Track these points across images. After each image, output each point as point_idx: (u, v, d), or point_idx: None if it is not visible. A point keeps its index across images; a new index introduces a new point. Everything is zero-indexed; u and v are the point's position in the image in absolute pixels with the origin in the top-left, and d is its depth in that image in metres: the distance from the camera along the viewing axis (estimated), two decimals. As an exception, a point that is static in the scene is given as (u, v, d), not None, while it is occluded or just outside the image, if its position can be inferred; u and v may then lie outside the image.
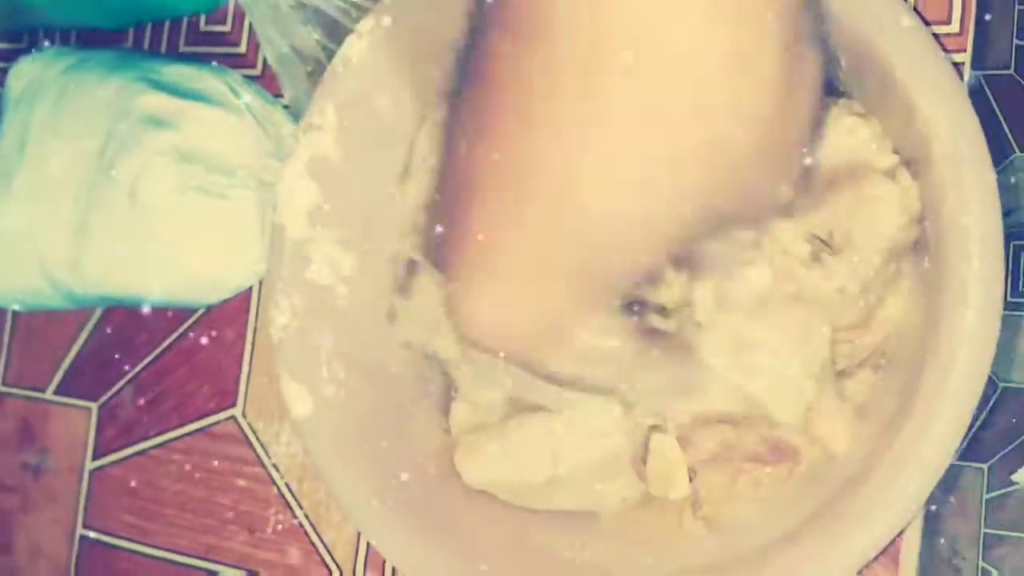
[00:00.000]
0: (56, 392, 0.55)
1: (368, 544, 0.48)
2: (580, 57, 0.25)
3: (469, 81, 0.28)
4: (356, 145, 0.42)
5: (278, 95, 0.51)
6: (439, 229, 0.30)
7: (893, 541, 0.33)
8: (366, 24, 0.40)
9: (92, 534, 0.53)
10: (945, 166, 0.33)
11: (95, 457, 0.54)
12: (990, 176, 0.32)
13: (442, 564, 0.38)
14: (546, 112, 0.26)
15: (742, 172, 0.27)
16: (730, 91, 0.25)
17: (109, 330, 0.54)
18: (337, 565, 0.48)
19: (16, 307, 0.51)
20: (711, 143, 0.26)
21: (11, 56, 0.53)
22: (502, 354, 0.30)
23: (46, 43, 0.58)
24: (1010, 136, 1.09)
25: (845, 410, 0.37)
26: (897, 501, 0.32)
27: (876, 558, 0.38)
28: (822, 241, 0.36)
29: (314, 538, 0.49)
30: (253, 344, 0.51)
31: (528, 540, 0.40)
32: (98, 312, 0.54)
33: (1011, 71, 1.10)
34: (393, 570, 0.47)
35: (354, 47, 0.40)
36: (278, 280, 0.41)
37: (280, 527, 0.50)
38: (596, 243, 0.27)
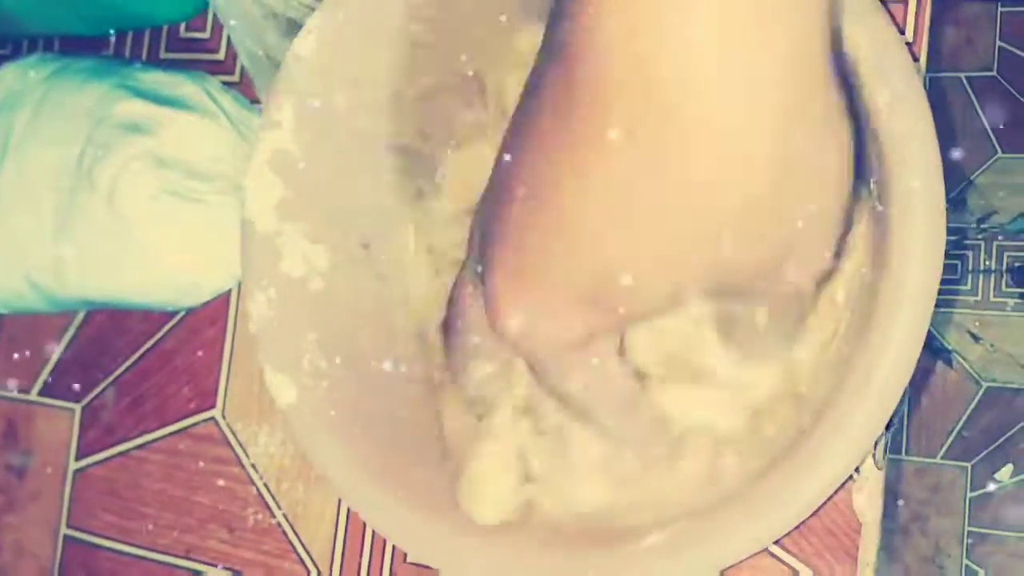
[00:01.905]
0: (40, 393, 0.56)
1: (344, 542, 0.49)
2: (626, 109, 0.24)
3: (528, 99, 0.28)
4: (314, 139, 0.42)
5: (256, 101, 0.52)
6: (479, 238, 0.30)
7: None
8: (315, 20, 0.40)
9: (76, 534, 0.54)
10: (874, 78, 0.33)
11: (78, 458, 0.55)
12: (916, 82, 0.32)
13: (434, 536, 0.38)
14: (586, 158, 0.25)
15: (780, 241, 0.27)
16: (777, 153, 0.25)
17: (91, 333, 0.55)
18: (315, 563, 0.49)
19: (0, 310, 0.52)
20: (750, 208, 0.26)
21: (-6, 63, 0.54)
22: (530, 356, 0.31)
23: (28, 51, 0.58)
24: (993, 137, 1.10)
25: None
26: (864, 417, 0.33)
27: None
28: None
29: (292, 537, 0.50)
30: (232, 346, 0.52)
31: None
32: (80, 315, 0.55)
33: (994, 72, 1.11)
34: (369, 565, 0.48)
35: (304, 43, 0.41)
36: (251, 274, 0.41)
37: (259, 526, 0.51)
38: (616, 278, 0.27)
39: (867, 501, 0.41)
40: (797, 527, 0.36)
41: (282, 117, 0.42)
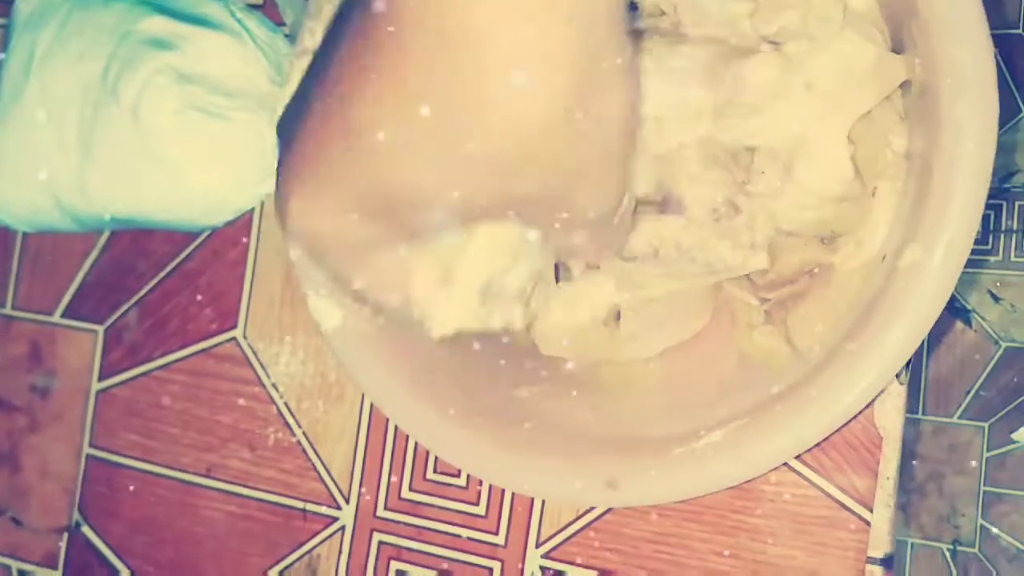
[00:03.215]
0: (63, 316, 0.56)
1: (364, 460, 0.49)
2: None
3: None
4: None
5: (280, 24, 0.52)
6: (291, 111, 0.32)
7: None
8: None
9: (99, 453, 0.55)
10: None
11: (101, 378, 0.55)
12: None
13: (472, 445, 0.39)
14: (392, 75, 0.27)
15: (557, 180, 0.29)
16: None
17: (114, 255, 0.55)
18: (334, 481, 0.50)
19: (24, 229, 0.52)
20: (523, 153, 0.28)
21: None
22: (314, 254, 0.33)
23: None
24: (1018, 96, 1.09)
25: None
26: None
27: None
28: None
29: (312, 455, 0.50)
30: (255, 268, 0.52)
31: (565, 416, 0.40)
32: (103, 237, 0.55)
33: (1020, 31, 1.10)
34: (388, 483, 0.49)
35: None
36: None
37: (279, 445, 0.51)
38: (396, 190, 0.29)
39: (889, 416, 0.41)
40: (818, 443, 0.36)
41: (315, 43, 0.42)
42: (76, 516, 0.55)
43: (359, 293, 0.34)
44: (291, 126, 0.31)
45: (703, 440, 0.35)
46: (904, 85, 0.37)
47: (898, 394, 0.41)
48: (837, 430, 0.34)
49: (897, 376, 0.41)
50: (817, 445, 0.34)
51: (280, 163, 0.32)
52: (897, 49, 0.37)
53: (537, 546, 0.46)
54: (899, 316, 0.32)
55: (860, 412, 0.34)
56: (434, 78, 0.26)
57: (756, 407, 0.36)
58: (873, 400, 0.34)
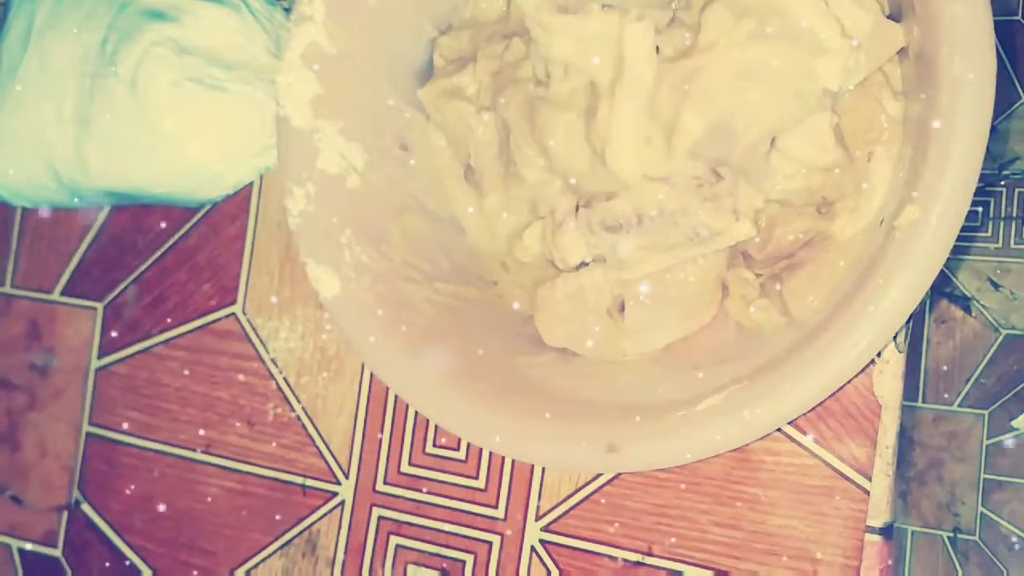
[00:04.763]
0: (63, 293, 0.56)
1: (364, 435, 0.49)
2: None
3: None
4: (347, 34, 0.43)
5: (279, -2, 0.52)
6: None
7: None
8: None
9: (98, 431, 0.55)
10: None
11: (100, 356, 0.55)
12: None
13: (483, 420, 0.39)
14: None
15: None
16: None
17: (113, 232, 0.55)
18: (333, 456, 0.50)
19: (23, 203, 0.52)
20: None
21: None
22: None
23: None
24: (1016, 83, 1.09)
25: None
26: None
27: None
28: None
29: (311, 430, 0.50)
30: (253, 243, 0.52)
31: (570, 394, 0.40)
32: (102, 214, 0.55)
33: (1019, 17, 1.10)
34: (388, 457, 0.49)
35: None
36: (289, 170, 0.42)
37: (279, 420, 0.51)
38: None
39: (888, 384, 0.41)
40: (816, 407, 0.36)
41: (314, 11, 0.42)
42: (76, 494, 0.55)
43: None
44: None
45: (703, 404, 0.35)
46: (901, 51, 0.37)
47: (896, 362, 0.41)
48: (836, 391, 0.34)
49: (895, 340, 0.41)
50: (819, 405, 0.34)
51: None
52: (895, 17, 0.38)
53: (537, 519, 0.46)
54: (897, 275, 0.32)
55: (859, 373, 0.34)
56: None
57: (755, 371, 0.36)
58: (872, 361, 0.34)
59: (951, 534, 1.08)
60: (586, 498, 0.45)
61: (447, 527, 0.48)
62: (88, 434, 0.55)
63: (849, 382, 0.35)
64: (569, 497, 0.46)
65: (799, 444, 0.42)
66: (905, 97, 0.37)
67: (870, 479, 0.41)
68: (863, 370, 0.35)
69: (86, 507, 0.55)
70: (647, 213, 0.38)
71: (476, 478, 0.47)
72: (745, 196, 0.38)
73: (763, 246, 0.40)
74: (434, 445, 0.48)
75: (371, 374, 0.49)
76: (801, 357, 0.34)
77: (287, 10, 0.51)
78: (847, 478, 0.42)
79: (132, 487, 0.54)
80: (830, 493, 0.42)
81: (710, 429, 0.35)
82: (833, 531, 0.42)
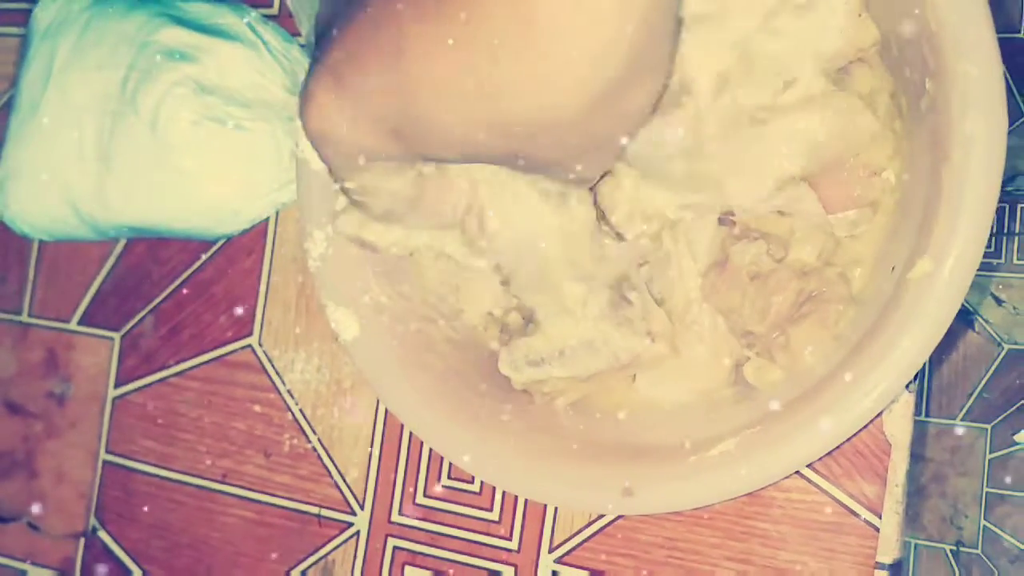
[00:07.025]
0: (80, 323, 0.57)
1: (379, 466, 0.50)
2: None
3: None
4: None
5: (295, 34, 0.52)
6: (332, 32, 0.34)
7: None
8: None
9: (115, 459, 0.55)
10: None
11: (117, 385, 0.56)
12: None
13: (502, 463, 0.40)
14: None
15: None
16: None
17: (131, 263, 0.56)
18: (349, 487, 0.50)
19: (42, 237, 0.53)
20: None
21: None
22: (323, 150, 0.35)
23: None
24: (1019, 100, 1.09)
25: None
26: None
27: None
28: None
29: (327, 461, 0.51)
30: (269, 276, 0.53)
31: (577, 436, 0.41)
32: (120, 245, 0.56)
33: (1021, 34, 1.10)
34: (403, 489, 0.49)
35: None
36: (309, 212, 0.42)
37: (295, 451, 0.52)
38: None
39: (897, 424, 0.42)
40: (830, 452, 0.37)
41: None
42: (93, 521, 0.56)
43: (348, 190, 0.37)
44: (336, 24, 0.33)
45: (716, 448, 0.36)
46: (913, 105, 0.38)
47: (906, 402, 0.42)
48: (850, 438, 0.35)
49: (906, 385, 0.42)
50: (829, 454, 0.35)
51: (317, 56, 0.33)
52: (914, 90, 0.38)
53: (550, 551, 0.47)
54: (910, 327, 0.33)
55: (874, 419, 0.35)
56: (498, 37, 0.28)
57: (768, 416, 0.36)
58: (884, 409, 0.35)
59: (954, 547, 1.09)
60: (599, 531, 0.46)
61: (461, 558, 0.48)
62: (105, 462, 0.56)
63: (864, 428, 0.35)
64: (582, 530, 0.46)
65: (810, 481, 0.43)
66: (907, 157, 0.38)
67: (880, 516, 0.42)
68: (877, 416, 0.36)
69: (103, 534, 0.55)
70: (568, 344, 0.39)
71: (490, 510, 0.48)
72: (657, 318, 0.39)
73: (762, 317, 0.41)
74: (449, 477, 0.49)
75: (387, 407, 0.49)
76: (815, 405, 0.35)
77: (303, 46, 0.52)
78: (857, 515, 0.42)
79: (149, 515, 0.54)
80: (840, 530, 0.43)
81: (724, 475, 0.36)
82: (842, 567, 0.42)
